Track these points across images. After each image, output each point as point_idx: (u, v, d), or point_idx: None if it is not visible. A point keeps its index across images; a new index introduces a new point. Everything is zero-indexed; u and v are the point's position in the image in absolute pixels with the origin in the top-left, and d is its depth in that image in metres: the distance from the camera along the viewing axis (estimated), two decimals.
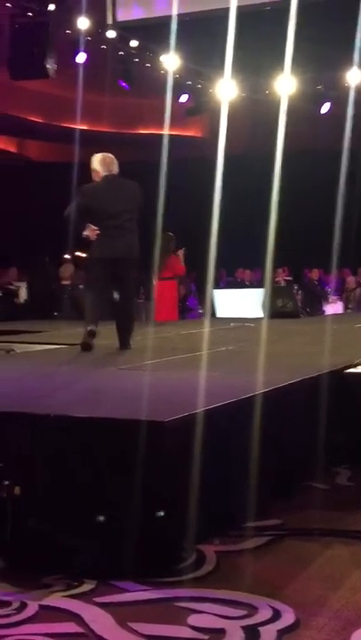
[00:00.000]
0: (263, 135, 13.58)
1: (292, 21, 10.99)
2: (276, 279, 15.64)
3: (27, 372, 6.09)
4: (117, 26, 13.19)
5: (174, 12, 12.01)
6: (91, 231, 6.99)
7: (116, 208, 6.98)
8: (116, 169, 7.18)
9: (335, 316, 14.18)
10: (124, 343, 7.21)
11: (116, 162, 7.18)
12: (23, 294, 14.56)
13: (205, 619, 3.33)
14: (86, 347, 6.97)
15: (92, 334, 6.93)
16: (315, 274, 15.88)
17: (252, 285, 15.96)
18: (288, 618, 3.32)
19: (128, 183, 7.18)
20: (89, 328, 6.91)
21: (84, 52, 12.83)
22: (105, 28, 13.07)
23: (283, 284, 15.36)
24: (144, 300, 13.16)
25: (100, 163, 7.13)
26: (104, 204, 6.96)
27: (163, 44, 13.37)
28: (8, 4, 11.78)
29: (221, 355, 7.16)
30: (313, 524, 4.48)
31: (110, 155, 7.22)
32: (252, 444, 4.40)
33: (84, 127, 17.97)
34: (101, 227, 6.95)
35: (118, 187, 7.11)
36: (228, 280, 16.92)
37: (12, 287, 14.53)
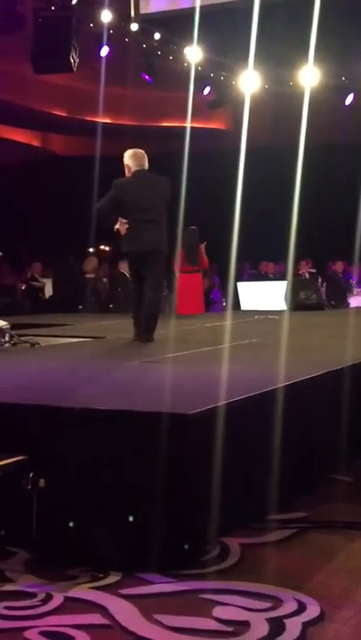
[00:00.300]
0: (286, 127, 13.54)
1: (315, 12, 10.93)
2: (300, 271, 15.58)
3: (51, 365, 6.12)
4: (140, 19, 13.18)
5: (197, 3, 11.98)
6: (121, 225, 7.14)
7: (146, 202, 7.12)
8: (146, 164, 7.31)
9: (359, 308, 14.10)
10: (147, 336, 7.28)
11: (146, 157, 7.32)
12: (48, 290, 14.62)
13: (230, 611, 3.34)
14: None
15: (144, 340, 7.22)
16: (339, 266, 15.79)
17: (275, 278, 15.91)
18: (313, 610, 3.32)
19: (158, 178, 7.31)
20: (147, 336, 7.22)
21: (107, 45, 12.83)
22: (128, 21, 13.06)
23: (306, 276, 15.30)
24: (167, 293, 13.17)
25: (131, 158, 7.28)
26: (135, 197, 7.10)
27: (185, 37, 13.33)
28: None
29: (245, 347, 7.15)
30: (337, 517, 4.47)
31: (141, 150, 7.36)
32: (276, 436, 4.40)
33: (108, 120, 17.98)
34: (132, 220, 7.09)
35: (149, 181, 7.24)
36: (252, 273, 16.88)
37: (36, 283, 14.59)
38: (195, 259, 12.50)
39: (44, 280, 14.80)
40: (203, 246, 12.95)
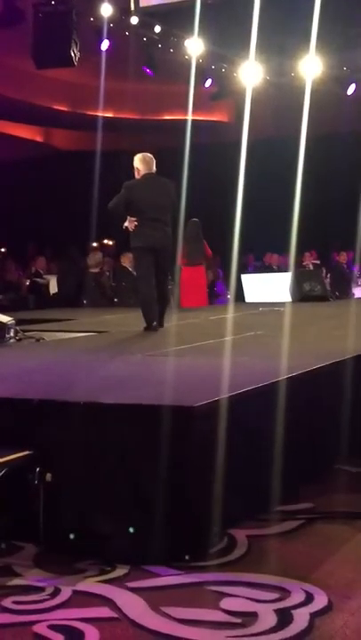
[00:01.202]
0: (288, 118, 13.50)
1: (317, 2, 10.90)
2: (304, 263, 15.56)
3: (56, 359, 6.13)
4: (140, 12, 13.14)
5: None
6: (130, 223, 7.66)
7: (154, 203, 7.67)
8: (154, 168, 7.84)
9: None
10: (160, 323, 7.80)
11: (154, 161, 7.85)
12: (53, 287, 14.62)
13: (238, 602, 3.35)
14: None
15: (155, 329, 7.66)
16: (343, 257, 15.76)
17: (280, 270, 15.89)
18: (321, 601, 3.33)
19: (165, 181, 7.89)
20: (154, 324, 7.66)
21: (108, 39, 12.80)
22: (128, 14, 13.03)
23: (310, 267, 15.28)
24: (171, 286, 13.17)
25: (141, 162, 7.80)
26: (145, 198, 7.65)
27: (186, 29, 13.30)
28: None
29: (250, 339, 7.15)
30: (343, 508, 4.47)
31: (150, 154, 7.90)
32: (281, 427, 4.40)
33: (109, 114, 17.95)
34: (141, 219, 7.63)
35: (157, 184, 7.80)
36: (256, 265, 16.86)
37: (41, 280, 14.59)
38: (196, 251, 12.46)
39: (49, 277, 14.79)
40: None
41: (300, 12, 11.51)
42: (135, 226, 7.62)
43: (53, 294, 14.40)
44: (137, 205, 7.62)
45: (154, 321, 7.65)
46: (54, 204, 18.57)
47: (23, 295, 14.38)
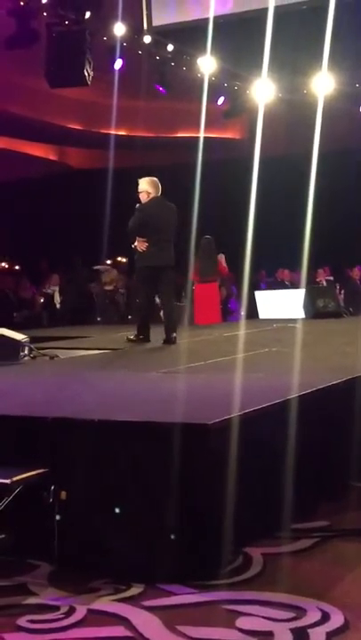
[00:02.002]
0: (301, 135, 13.54)
1: (329, 20, 10.94)
2: (318, 279, 15.54)
3: (70, 377, 6.14)
4: (153, 31, 13.23)
5: (210, 14, 12.02)
6: (140, 243, 8.14)
7: (164, 224, 8.21)
8: (160, 191, 8.31)
9: None
10: (171, 338, 8.18)
11: (160, 185, 8.32)
12: (57, 298, 14.67)
13: (253, 621, 3.33)
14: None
15: (142, 341, 8.29)
16: (356, 272, 15.73)
17: (293, 285, 15.87)
18: (337, 620, 3.30)
19: (170, 204, 8.36)
20: (141, 337, 8.31)
21: (121, 58, 12.88)
22: (141, 33, 13.12)
23: (324, 283, 15.26)
24: (185, 304, 13.17)
25: (150, 185, 8.27)
26: (156, 220, 8.17)
27: (198, 47, 13.37)
28: (45, 14, 11.87)
29: (264, 356, 7.14)
30: (359, 526, 4.44)
31: (156, 179, 8.35)
32: (297, 445, 4.39)
33: (123, 133, 18.06)
34: (151, 239, 8.12)
35: (165, 206, 8.31)
36: (269, 281, 16.85)
37: (48, 291, 14.66)
38: (210, 268, 12.46)
39: (54, 287, 14.86)
40: (222, 256, 12.96)
41: (312, 29, 11.56)
42: (146, 246, 8.10)
43: (60, 307, 14.45)
44: (149, 227, 8.12)
45: (144, 334, 8.29)
46: (68, 221, 18.66)
47: (37, 312, 14.44)
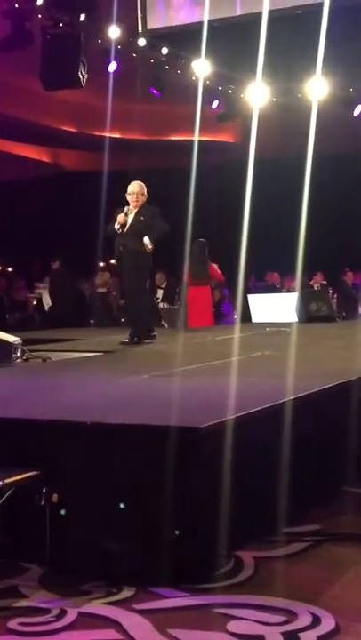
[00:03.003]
0: (295, 139, 13.54)
1: (323, 25, 10.97)
2: (311, 283, 15.54)
3: (62, 380, 6.13)
4: (148, 34, 13.23)
5: (205, 18, 12.03)
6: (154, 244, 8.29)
7: None
8: None
9: None
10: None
11: None
12: (47, 300, 14.63)
13: (244, 625, 3.33)
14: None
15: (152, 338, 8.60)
16: (349, 277, 15.74)
17: (283, 289, 15.89)
18: (328, 624, 3.31)
19: None
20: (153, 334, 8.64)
21: (115, 60, 12.87)
22: (135, 36, 13.11)
23: (317, 287, 15.26)
24: (178, 307, 13.17)
25: (145, 189, 8.38)
26: None
27: (193, 51, 13.37)
28: (39, 16, 11.86)
29: (257, 360, 7.14)
30: (350, 530, 4.45)
31: None
32: (288, 448, 4.39)
33: (117, 135, 18.03)
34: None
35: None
36: (259, 284, 16.83)
37: (34, 294, 14.63)
38: (201, 272, 12.42)
39: (41, 289, 14.81)
40: (214, 265, 12.91)
41: (306, 34, 11.58)
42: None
43: (49, 309, 14.41)
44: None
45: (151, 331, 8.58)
46: (61, 224, 18.63)
47: (29, 314, 14.41)
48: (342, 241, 15.35)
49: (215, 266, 12.78)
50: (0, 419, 4.26)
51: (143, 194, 8.30)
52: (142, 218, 8.26)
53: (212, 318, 13.11)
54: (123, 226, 8.23)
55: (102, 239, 12.88)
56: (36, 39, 11.94)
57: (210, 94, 14.86)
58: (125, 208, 8.27)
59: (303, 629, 3.27)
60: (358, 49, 12.85)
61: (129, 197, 8.27)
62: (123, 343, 8.31)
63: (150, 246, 8.22)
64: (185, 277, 12.46)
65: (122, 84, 13.51)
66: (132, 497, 3.84)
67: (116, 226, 8.22)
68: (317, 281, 15.50)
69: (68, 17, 11.87)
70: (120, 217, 8.18)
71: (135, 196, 8.24)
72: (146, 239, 8.19)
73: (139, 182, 8.37)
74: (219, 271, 12.85)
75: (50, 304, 14.48)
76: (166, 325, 13.11)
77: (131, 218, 8.24)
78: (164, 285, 14.39)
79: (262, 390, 5.15)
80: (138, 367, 6.80)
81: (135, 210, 8.26)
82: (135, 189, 8.28)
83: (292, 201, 11.84)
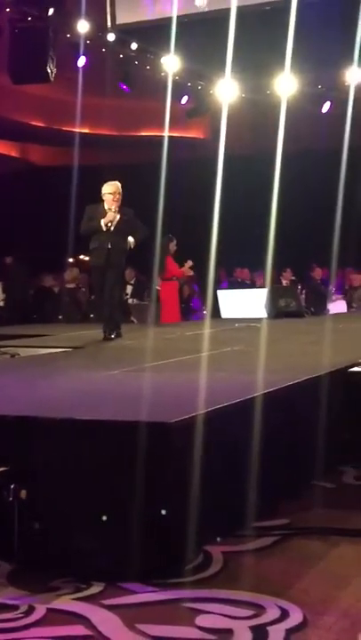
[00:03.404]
0: (264, 135, 13.59)
1: (291, 21, 11.01)
2: (283, 280, 15.58)
3: (31, 375, 6.10)
4: (117, 29, 13.20)
5: (174, 13, 12.03)
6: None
7: None
8: None
9: (339, 315, 14.17)
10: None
11: None
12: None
13: (213, 619, 3.34)
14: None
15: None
16: (317, 273, 15.83)
17: (253, 285, 15.93)
18: (296, 617, 3.32)
19: None
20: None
21: (85, 55, 12.83)
22: (105, 31, 13.08)
23: (289, 284, 15.31)
24: (148, 302, 13.16)
25: None
26: None
27: (162, 46, 13.37)
28: (8, 9, 11.78)
29: (227, 355, 7.16)
30: (319, 523, 4.48)
31: None
32: (258, 443, 4.40)
33: (86, 130, 17.96)
34: None
35: None
36: (229, 280, 16.87)
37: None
38: (161, 267, 12.37)
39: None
40: (188, 264, 12.83)
41: (275, 30, 11.61)
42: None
43: (2, 302, 14.30)
44: None
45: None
46: (30, 219, 18.53)
47: None
48: (311, 237, 15.42)
49: (171, 259, 12.64)
50: None
51: (121, 193, 8.40)
52: (125, 217, 8.39)
53: (180, 314, 13.12)
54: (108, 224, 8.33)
55: (73, 235, 12.85)
56: (3, 33, 11.87)
57: (179, 90, 14.88)
58: (105, 206, 8.31)
59: (271, 623, 3.28)
60: (326, 45, 12.92)
61: (109, 197, 8.31)
62: (107, 339, 8.37)
63: (132, 246, 8.44)
64: (155, 273, 12.43)
65: (91, 79, 13.47)
66: (102, 493, 3.84)
67: (105, 223, 8.27)
68: (287, 277, 15.56)
69: (37, 11, 11.82)
70: (110, 215, 8.26)
71: (116, 195, 8.33)
72: (131, 239, 8.41)
73: (116, 182, 8.43)
74: (175, 265, 12.69)
75: (3, 298, 14.35)
76: (135, 321, 13.10)
77: (116, 217, 8.33)
78: (132, 281, 14.37)
79: (232, 385, 5.16)
80: (108, 363, 6.79)
81: (117, 209, 8.33)
82: (115, 189, 8.37)
83: (261, 197, 11.88)
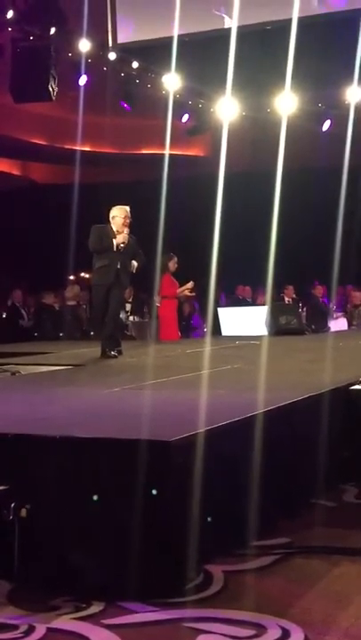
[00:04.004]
0: (265, 153, 13.63)
1: (292, 40, 11.08)
2: (282, 295, 15.57)
3: (32, 393, 6.10)
4: (118, 48, 13.28)
5: (175, 32, 12.10)
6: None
7: None
8: None
9: (340, 332, 14.16)
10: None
11: None
12: None
13: (214, 639, 3.32)
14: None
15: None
16: (318, 290, 15.84)
17: (254, 302, 15.93)
18: (297, 637, 3.31)
19: None
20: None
21: (86, 74, 12.90)
22: (106, 50, 13.15)
23: (291, 301, 15.31)
24: (148, 320, 13.16)
25: None
26: None
27: (163, 65, 13.43)
28: (10, 29, 11.86)
29: (227, 373, 7.16)
30: (320, 542, 4.46)
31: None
32: (259, 462, 4.39)
33: (87, 148, 18.05)
34: None
35: None
36: (230, 297, 16.87)
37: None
38: (159, 285, 12.32)
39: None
40: (190, 285, 12.75)
41: (275, 49, 11.69)
42: None
43: None
44: None
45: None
46: (31, 237, 18.58)
47: None
48: (312, 255, 15.45)
49: (168, 277, 12.54)
50: None
51: (130, 217, 8.57)
52: (131, 242, 8.60)
53: (178, 331, 13.08)
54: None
55: (74, 252, 12.88)
56: (6, 52, 11.94)
57: (180, 108, 14.94)
58: (113, 227, 8.46)
59: None
60: (327, 64, 12.99)
61: (121, 220, 8.46)
62: (108, 357, 8.44)
63: (134, 270, 8.70)
64: (155, 291, 12.41)
65: (92, 98, 13.54)
66: (102, 511, 3.83)
67: (118, 243, 8.42)
68: (289, 295, 15.55)
69: (39, 30, 11.89)
70: (124, 236, 8.44)
71: (127, 219, 8.50)
72: (134, 263, 8.63)
73: (126, 207, 8.60)
74: (171, 284, 12.54)
75: None
76: (136, 338, 13.09)
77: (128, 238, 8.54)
78: (130, 299, 14.37)
79: (232, 403, 5.16)
80: (108, 380, 6.78)
81: (129, 231, 8.54)
82: (126, 213, 8.53)
83: (262, 215, 11.92)
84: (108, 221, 8.52)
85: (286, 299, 15.40)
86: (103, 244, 8.47)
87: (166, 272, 12.28)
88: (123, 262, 8.49)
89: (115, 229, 8.47)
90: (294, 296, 15.72)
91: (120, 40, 13.33)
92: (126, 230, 8.48)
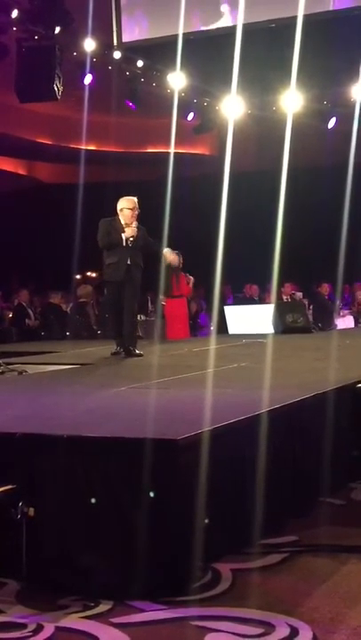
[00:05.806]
0: (270, 151, 13.63)
1: (297, 38, 11.05)
2: (283, 295, 15.55)
3: (39, 392, 6.10)
4: (123, 47, 13.26)
5: (180, 31, 12.08)
6: None
7: None
8: None
9: (347, 330, 14.14)
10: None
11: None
12: None
13: (222, 637, 3.32)
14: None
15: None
16: (324, 288, 15.81)
17: (260, 301, 15.91)
18: (306, 635, 3.30)
19: None
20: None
21: (91, 73, 12.90)
22: (111, 49, 13.14)
23: (291, 298, 15.29)
24: (155, 319, 13.16)
25: None
26: None
27: (168, 64, 13.42)
28: (15, 28, 11.86)
29: (233, 371, 7.15)
30: (328, 540, 4.46)
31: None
32: (267, 460, 4.39)
33: (93, 147, 18.06)
34: None
35: None
36: (237, 296, 16.86)
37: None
38: (168, 286, 12.33)
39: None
40: (191, 280, 12.80)
41: (281, 47, 11.66)
42: None
43: None
44: None
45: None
46: (38, 236, 18.60)
47: (6, 327, 14.34)
48: (318, 252, 15.43)
49: (186, 277, 12.62)
50: None
51: (138, 208, 8.31)
52: (141, 233, 8.29)
53: (188, 330, 13.11)
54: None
55: (80, 251, 12.89)
56: (11, 52, 11.94)
57: (185, 107, 14.93)
58: (122, 220, 8.18)
59: None
60: (332, 62, 12.96)
61: (128, 212, 8.17)
62: (137, 355, 8.30)
63: (173, 263, 9.08)
64: (161, 289, 12.43)
65: (97, 97, 13.54)
66: (109, 510, 3.83)
67: (127, 237, 8.15)
68: (287, 292, 15.51)
69: (44, 30, 11.88)
70: (132, 230, 8.14)
71: (135, 210, 8.22)
72: (171, 257, 8.96)
73: (134, 198, 8.31)
74: (186, 284, 12.64)
75: None
76: (143, 337, 13.09)
77: (137, 232, 8.23)
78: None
79: (239, 402, 5.15)
80: (115, 379, 6.78)
81: (137, 224, 8.25)
82: (134, 204, 8.24)
83: (267, 213, 11.90)
84: (116, 214, 8.27)
85: (284, 296, 15.37)
86: (111, 240, 8.17)
87: (174, 272, 12.31)
88: (133, 257, 8.19)
89: (123, 222, 8.16)
90: (293, 293, 15.68)
91: (125, 39, 13.30)
92: (135, 223, 8.17)
